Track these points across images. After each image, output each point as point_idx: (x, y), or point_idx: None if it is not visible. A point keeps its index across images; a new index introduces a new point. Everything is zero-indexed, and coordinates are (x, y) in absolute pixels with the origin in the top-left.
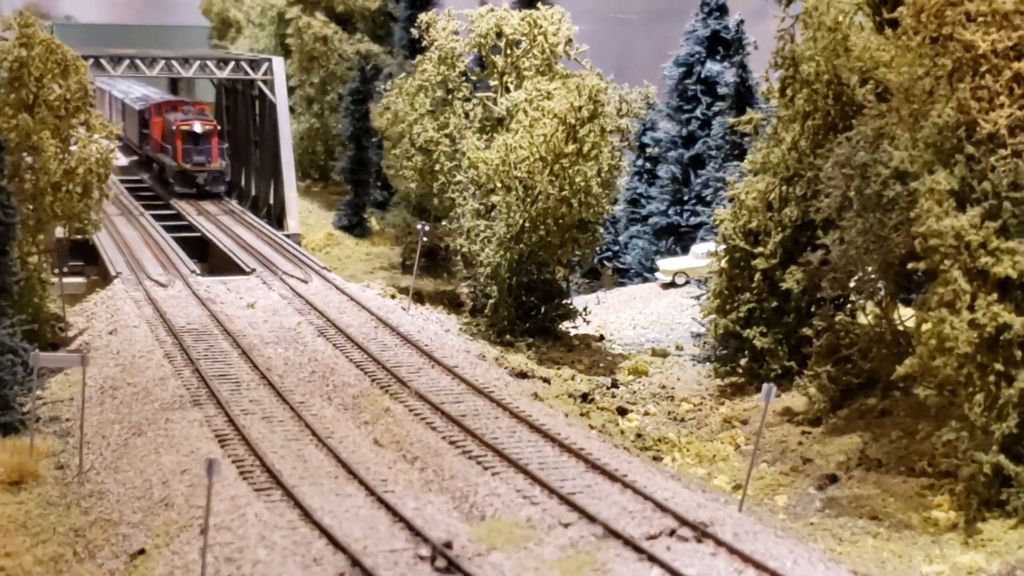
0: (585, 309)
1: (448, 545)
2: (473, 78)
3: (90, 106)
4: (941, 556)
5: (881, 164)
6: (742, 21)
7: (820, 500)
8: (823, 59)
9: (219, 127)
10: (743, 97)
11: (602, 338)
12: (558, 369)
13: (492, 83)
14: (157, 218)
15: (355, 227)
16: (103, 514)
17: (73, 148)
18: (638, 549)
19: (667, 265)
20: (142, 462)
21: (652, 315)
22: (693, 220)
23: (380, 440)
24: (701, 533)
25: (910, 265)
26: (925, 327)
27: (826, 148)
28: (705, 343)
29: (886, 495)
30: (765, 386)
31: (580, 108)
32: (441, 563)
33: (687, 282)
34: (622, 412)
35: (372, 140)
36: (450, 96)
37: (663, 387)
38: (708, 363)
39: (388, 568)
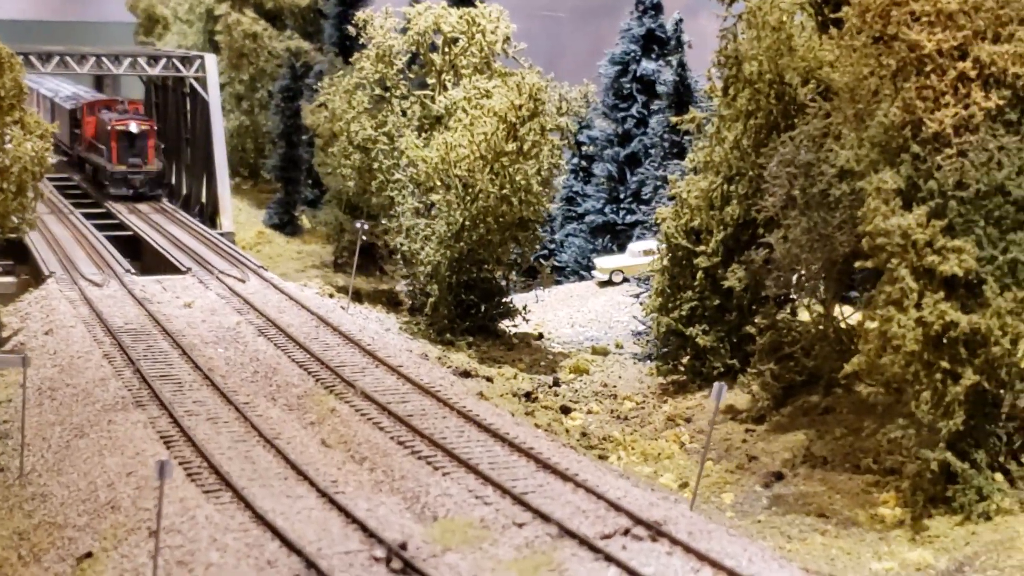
0: (524, 307)
1: (403, 546)
2: (411, 76)
3: (24, 104)
4: (890, 553)
5: (826, 163)
6: (680, 20)
7: (767, 498)
8: (766, 58)
9: (155, 126)
10: (682, 96)
11: (541, 336)
12: (499, 368)
13: (430, 81)
14: (88, 216)
15: (286, 225)
16: (47, 517)
17: (7, 147)
18: (594, 549)
19: (604, 263)
20: (86, 464)
21: (590, 313)
22: (629, 218)
23: (328, 441)
24: (656, 532)
25: (857, 264)
26: (872, 325)
27: (769, 147)
28: (649, 341)
29: (832, 492)
30: (716, 385)
31: (520, 106)
32: (397, 564)
33: (624, 280)
34: (565, 411)
35: (303, 138)
36: (388, 94)
37: (605, 385)
38: (650, 361)
39: (343, 570)
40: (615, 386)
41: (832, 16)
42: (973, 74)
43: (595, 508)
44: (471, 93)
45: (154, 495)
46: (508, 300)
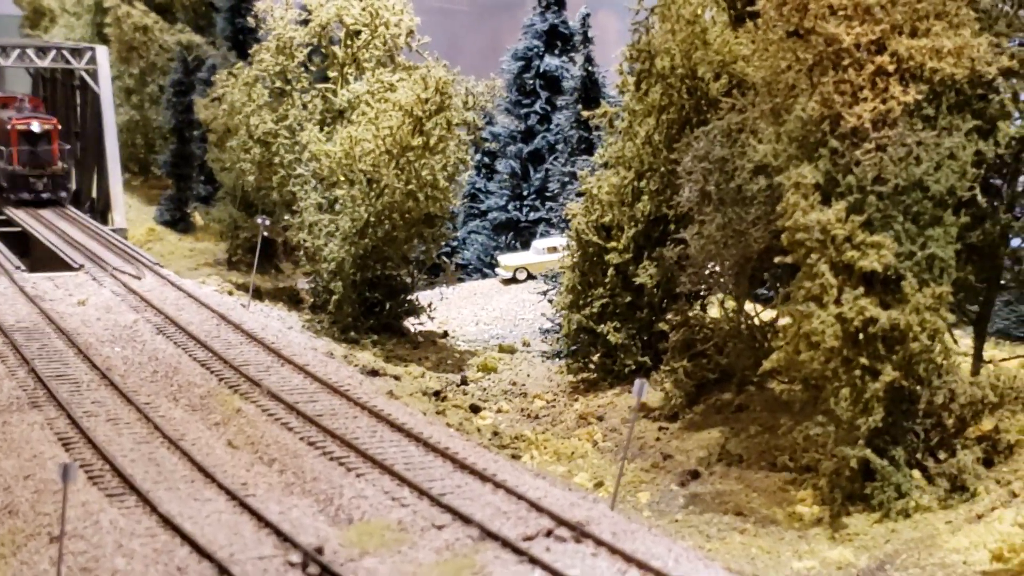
0: (429, 305)
1: (319, 550)
2: (312, 69)
3: None
4: (810, 551)
5: (744, 158)
6: (588, 15)
7: (683, 497)
8: (680, 53)
9: (59, 125)
10: (589, 91)
11: (446, 335)
12: (406, 367)
13: (331, 75)
14: None
15: (178, 222)
16: None
17: None
18: (517, 551)
19: (508, 261)
20: None
21: (495, 311)
22: (533, 215)
23: (234, 442)
24: (580, 533)
25: (777, 259)
26: (789, 322)
27: (683, 143)
28: (560, 339)
29: (749, 490)
30: (637, 381)
31: (427, 100)
32: (314, 569)
33: (529, 278)
34: (475, 410)
35: (195, 133)
36: (289, 87)
37: (514, 384)
38: (559, 359)
39: None
40: (524, 384)
41: (746, 10)
42: (891, 68)
43: (516, 509)
44: (375, 87)
45: (54, 499)
46: (413, 298)
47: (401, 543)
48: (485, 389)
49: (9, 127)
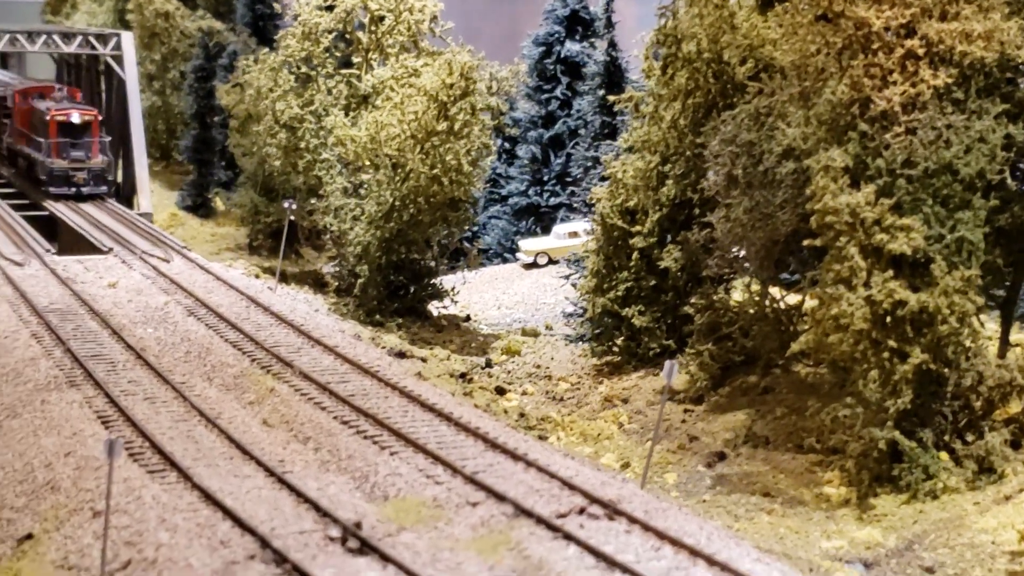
0: (453, 289)
1: (358, 525)
2: (337, 55)
3: None
4: (838, 531)
5: (773, 142)
6: (611, 0)
7: (710, 477)
8: (707, 37)
9: (99, 116)
10: (613, 76)
11: (468, 318)
12: (431, 349)
13: (356, 60)
14: (1, 196)
15: (199, 207)
16: None
17: None
18: (552, 527)
19: (529, 245)
20: (20, 444)
21: (516, 295)
22: (553, 200)
23: (269, 421)
24: (613, 511)
25: (806, 242)
26: (815, 304)
27: (709, 126)
28: (584, 322)
29: (776, 472)
30: (667, 363)
31: (452, 85)
32: (353, 544)
33: (550, 262)
34: (500, 392)
35: (216, 119)
36: (314, 73)
37: (538, 367)
38: (582, 342)
39: (299, 549)
40: (548, 367)
41: None
42: (921, 52)
43: (548, 487)
44: (399, 72)
45: (95, 475)
46: (437, 282)
47: (437, 519)
48: (509, 372)
49: (48, 118)
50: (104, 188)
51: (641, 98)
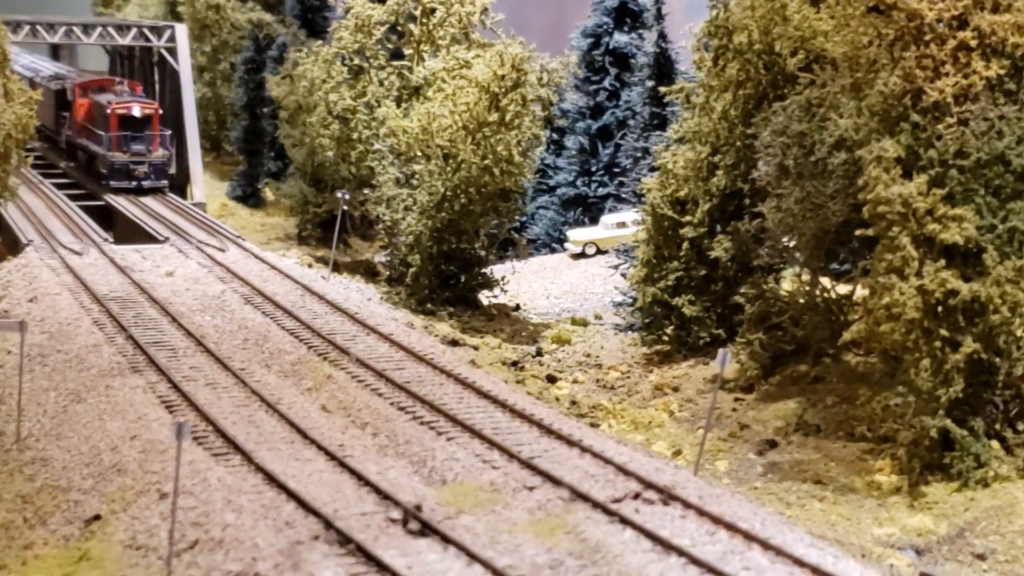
0: (503, 278)
1: (418, 508)
2: (389, 46)
3: (8, 71)
4: (890, 519)
5: (825, 132)
6: None
7: (761, 465)
8: (758, 28)
9: (160, 110)
10: (663, 67)
11: (518, 308)
12: (482, 337)
13: (407, 52)
14: (59, 187)
15: (249, 197)
16: (50, 480)
17: None
18: (608, 512)
19: (577, 236)
20: (86, 428)
21: (564, 285)
22: (601, 191)
23: (327, 406)
24: (668, 496)
25: (858, 232)
26: (866, 293)
27: (760, 117)
28: (634, 312)
29: (827, 460)
30: (720, 351)
31: (503, 77)
32: (414, 526)
33: (598, 252)
34: (551, 380)
35: (266, 110)
36: (366, 64)
37: (588, 355)
38: (631, 331)
39: (361, 531)
40: (598, 356)
41: None
42: (973, 43)
43: (603, 473)
44: (451, 63)
45: (161, 458)
46: (487, 271)
47: (495, 503)
48: (560, 360)
49: (109, 111)
50: (164, 182)
51: (692, 89)
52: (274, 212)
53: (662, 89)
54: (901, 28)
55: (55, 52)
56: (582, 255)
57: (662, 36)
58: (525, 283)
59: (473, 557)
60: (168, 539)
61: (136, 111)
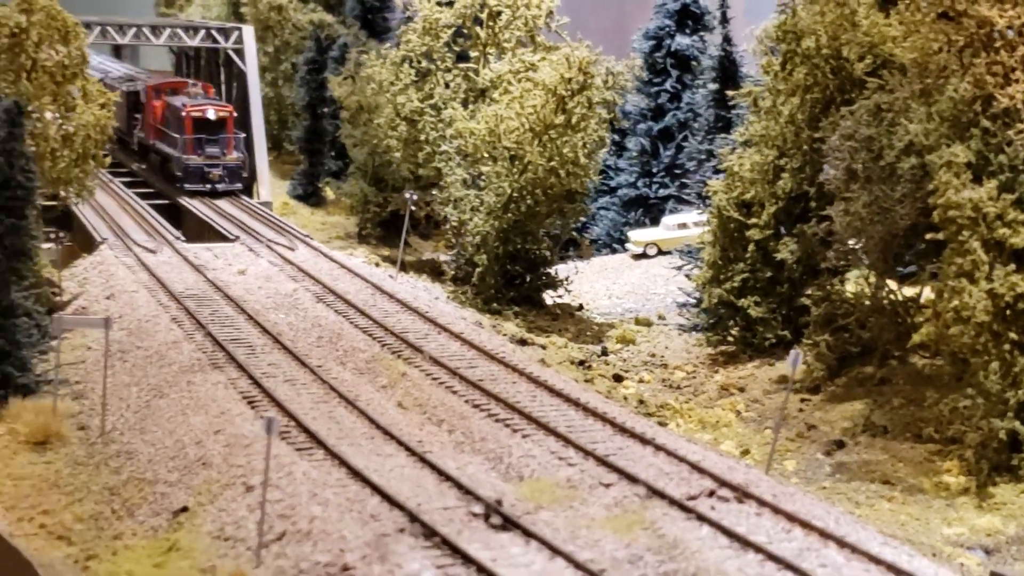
0: (567, 279)
1: (499, 503)
2: (456, 49)
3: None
4: (958, 519)
5: (895, 137)
6: None
7: (829, 465)
8: (827, 34)
9: (235, 112)
10: (727, 70)
11: (581, 307)
12: (548, 337)
13: (473, 54)
14: (128, 185)
15: (310, 196)
16: (136, 473)
17: (71, 114)
18: (684, 508)
19: (639, 236)
20: (169, 423)
21: (626, 285)
22: (662, 192)
23: (403, 403)
24: (742, 494)
25: (928, 235)
26: (935, 296)
27: (827, 122)
28: (700, 312)
29: (895, 460)
30: (792, 352)
31: (570, 80)
32: (495, 520)
33: (659, 253)
34: (618, 379)
35: (326, 110)
36: (433, 67)
37: (653, 355)
38: (696, 332)
39: (445, 524)
40: (663, 356)
41: None
42: None
43: (677, 470)
44: (516, 66)
45: (245, 452)
46: (552, 271)
47: (572, 499)
48: (625, 360)
49: (184, 114)
50: (239, 184)
51: (760, 93)
52: (334, 211)
53: (729, 93)
54: (971, 35)
55: (117, 52)
56: (643, 256)
57: (727, 39)
58: (587, 283)
59: (555, 551)
60: (257, 530)
61: (211, 114)
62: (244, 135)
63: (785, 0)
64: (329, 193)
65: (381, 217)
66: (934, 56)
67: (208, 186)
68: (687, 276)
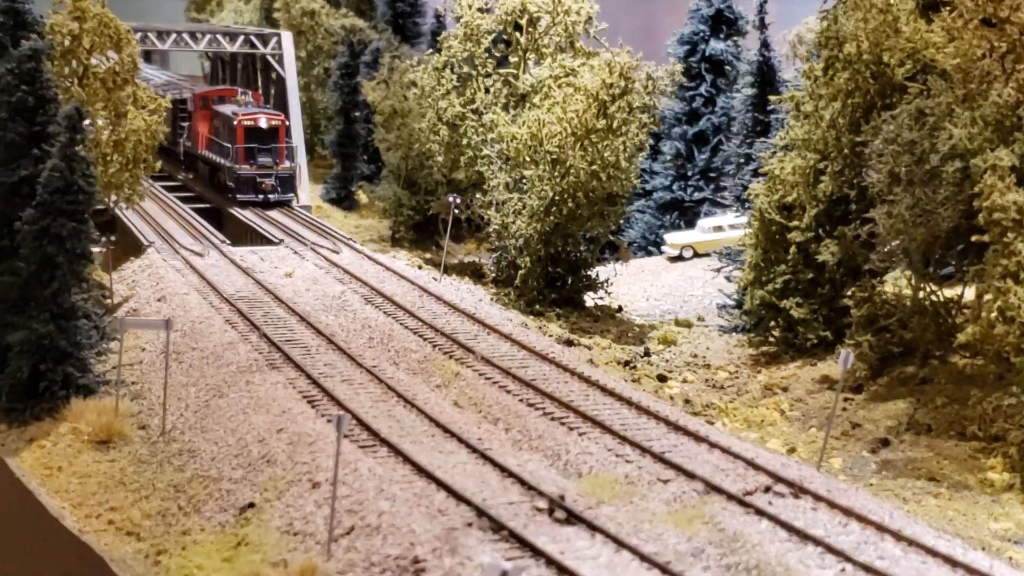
0: (607, 281)
1: (562, 498)
2: (497, 55)
3: (137, 79)
4: (1005, 514)
5: (938, 141)
6: (765, 1)
7: (875, 463)
8: (869, 40)
9: (287, 121)
10: (765, 75)
11: (620, 309)
12: (591, 338)
13: (512, 60)
14: (168, 189)
15: (343, 200)
16: (200, 471)
17: (123, 120)
18: (742, 503)
19: (675, 239)
20: (231, 422)
21: (663, 287)
22: (697, 195)
23: (459, 402)
24: (799, 489)
25: (974, 238)
26: (980, 297)
27: (871, 125)
28: (744, 314)
29: (939, 458)
30: (843, 352)
31: (611, 85)
32: (560, 515)
33: (695, 256)
34: (662, 379)
35: (359, 114)
36: (475, 72)
37: (695, 356)
38: (736, 333)
39: (511, 519)
40: (705, 357)
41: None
42: None
43: (733, 467)
44: (557, 71)
45: (309, 449)
46: (593, 273)
47: (632, 495)
48: (667, 360)
49: (235, 123)
50: (291, 195)
51: (801, 98)
52: (367, 214)
53: (771, 97)
54: (1014, 41)
55: (147, 57)
56: (679, 258)
57: (765, 45)
58: (624, 285)
59: (621, 544)
60: (327, 524)
61: (263, 123)
62: (296, 144)
63: (826, 7)
64: (362, 197)
65: (415, 220)
66: (977, 62)
67: (260, 196)
68: (727, 278)
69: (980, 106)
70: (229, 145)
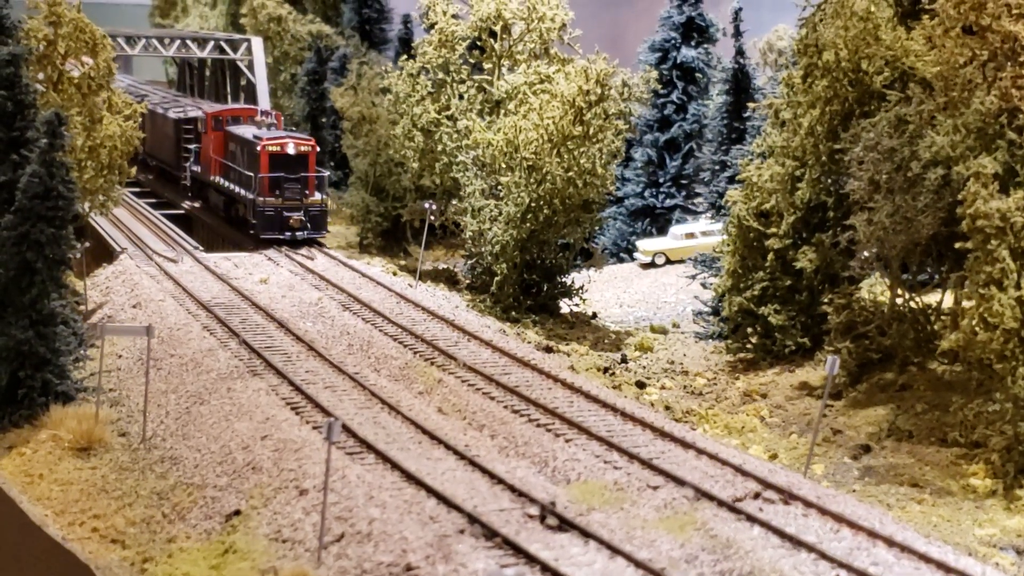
0: (582, 287)
1: (553, 504)
2: (472, 61)
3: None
4: (988, 520)
5: (921, 148)
6: (740, 9)
7: (857, 469)
8: (848, 48)
9: (316, 146)
10: (740, 82)
11: (595, 316)
12: (568, 344)
13: (487, 66)
14: (137, 195)
15: None
16: (183, 478)
17: (98, 126)
18: (733, 509)
19: (647, 246)
20: (213, 429)
21: (636, 294)
22: (668, 202)
23: (443, 409)
24: (788, 495)
25: (957, 245)
26: (964, 304)
27: (849, 133)
28: (721, 321)
29: (921, 464)
30: (829, 358)
31: (588, 92)
32: (552, 521)
33: (667, 262)
34: (640, 386)
35: (327, 120)
36: (449, 78)
37: (672, 362)
38: (713, 339)
39: (502, 525)
40: (682, 363)
41: (916, 7)
42: None
43: (721, 473)
44: (532, 78)
45: (295, 456)
46: (569, 280)
47: (622, 501)
48: (645, 367)
49: (259, 148)
50: (322, 232)
51: (780, 105)
52: (335, 220)
53: (750, 104)
54: (995, 49)
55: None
56: (652, 265)
57: (740, 52)
58: (597, 292)
59: (615, 550)
60: (316, 531)
61: (291, 148)
62: (327, 173)
63: (804, 15)
64: (330, 203)
65: (383, 227)
66: (959, 70)
67: (287, 234)
68: (703, 285)
69: (962, 114)
70: (251, 174)
